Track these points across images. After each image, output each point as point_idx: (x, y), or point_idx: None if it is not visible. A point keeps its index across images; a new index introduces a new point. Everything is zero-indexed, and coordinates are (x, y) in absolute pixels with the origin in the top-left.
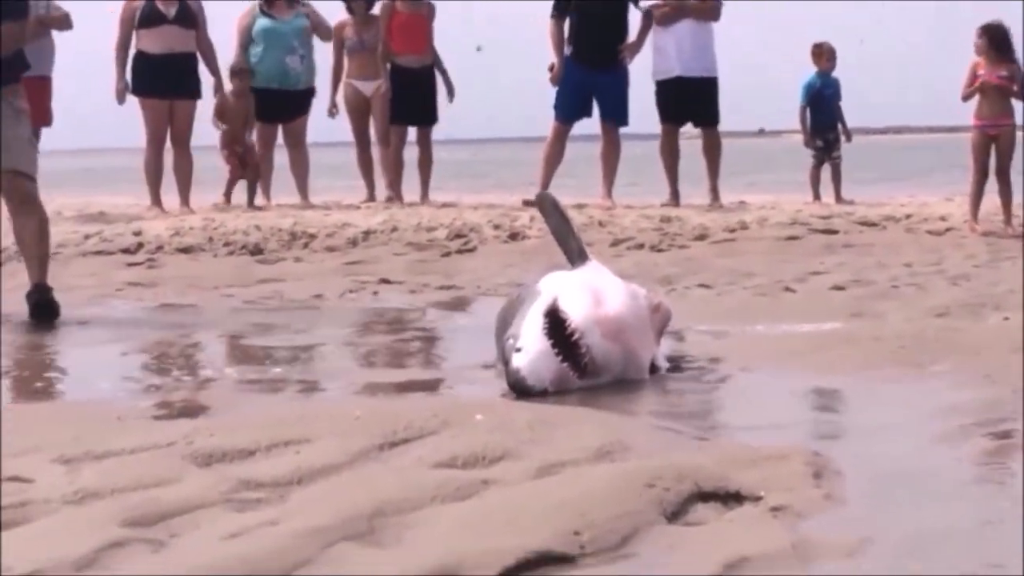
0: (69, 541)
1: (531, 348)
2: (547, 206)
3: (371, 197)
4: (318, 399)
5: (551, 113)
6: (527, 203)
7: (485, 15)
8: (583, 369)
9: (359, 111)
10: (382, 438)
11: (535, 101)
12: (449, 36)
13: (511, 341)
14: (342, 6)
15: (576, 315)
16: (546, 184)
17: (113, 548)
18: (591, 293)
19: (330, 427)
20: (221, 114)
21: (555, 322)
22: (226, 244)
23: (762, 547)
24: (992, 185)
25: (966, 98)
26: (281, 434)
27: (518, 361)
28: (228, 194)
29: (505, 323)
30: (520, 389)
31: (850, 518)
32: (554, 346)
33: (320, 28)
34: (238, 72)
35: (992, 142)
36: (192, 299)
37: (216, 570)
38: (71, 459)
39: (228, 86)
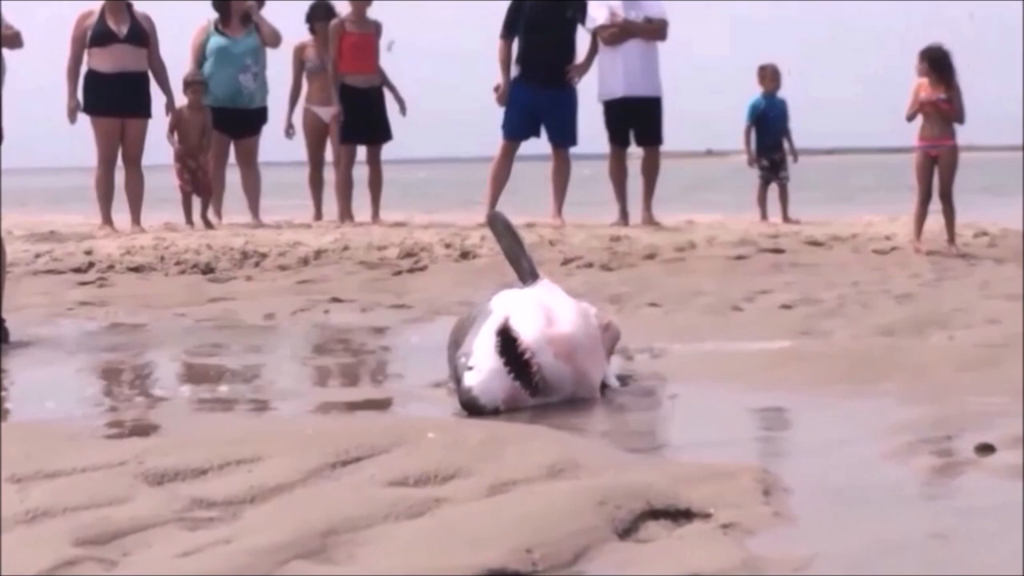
0: (21, 560)
1: (483, 366)
2: (499, 226)
3: (318, 215)
4: (270, 418)
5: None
6: (481, 225)
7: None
8: (535, 388)
9: (317, 135)
10: (335, 456)
11: (493, 121)
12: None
13: (463, 359)
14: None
15: (528, 334)
16: (493, 203)
17: (65, 567)
18: (543, 312)
19: (283, 445)
20: (175, 128)
21: (507, 340)
22: (177, 263)
23: (713, 564)
24: (936, 205)
25: (910, 118)
26: (233, 453)
27: (470, 379)
28: (188, 213)
29: (457, 341)
30: (472, 407)
31: (799, 535)
32: (506, 364)
33: (267, 34)
34: (191, 83)
35: (934, 162)
36: (143, 318)
37: None
38: (22, 478)
39: (181, 100)
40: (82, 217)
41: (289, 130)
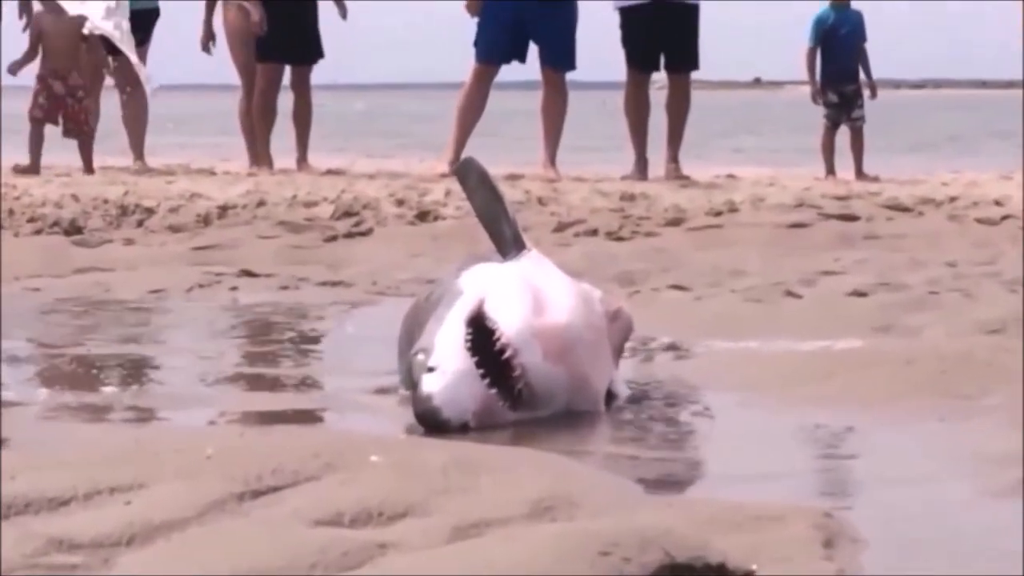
0: None
1: (449, 368)
2: (470, 177)
3: (258, 160)
4: (156, 431)
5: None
6: (444, 175)
7: None
8: (517, 398)
9: (245, 41)
10: (243, 484)
11: (462, 38)
12: None
13: (420, 357)
14: None
15: (510, 325)
16: (460, 145)
17: None
18: (530, 295)
19: (172, 468)
20: (36, 43)
21: (481, 333)
22: (31, 220)
23: None
24: None
25: None
26: (105, 477)
27: (430, 385)
28: (35, 154)
29: (412, 333)
30: (432, 422)
31: None
32: (479, 365)
33: None
34: None
35: None
36: None
37: None
38: None
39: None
40: None
41: (208, 41)
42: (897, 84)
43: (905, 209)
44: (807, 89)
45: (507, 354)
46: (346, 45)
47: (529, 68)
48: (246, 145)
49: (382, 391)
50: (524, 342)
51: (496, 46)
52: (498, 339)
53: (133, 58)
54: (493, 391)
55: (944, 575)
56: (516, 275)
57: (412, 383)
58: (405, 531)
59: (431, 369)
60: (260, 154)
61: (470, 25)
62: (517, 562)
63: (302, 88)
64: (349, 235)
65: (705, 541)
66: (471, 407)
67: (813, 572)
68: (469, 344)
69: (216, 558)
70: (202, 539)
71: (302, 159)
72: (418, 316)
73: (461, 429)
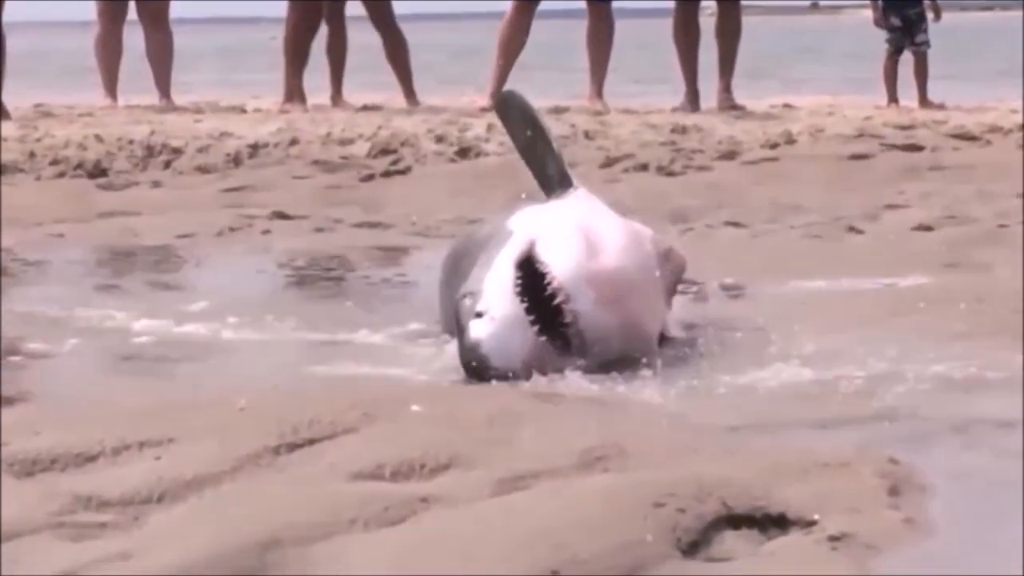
0: None
1: (498, 313)
2: (513, 111)
3: (292, 97)
4: (185, 383)
5: None
6: (485, 109)
7: None
8: (567, 345)
9: None
10: (279, 438)
11: None
12: None
13: (467, 302)
14: None
15: (561, 269)
16: (502, 78)
17: None
18: (582, 237)
19: (205, 422)
20: None
21: (531, 277)
22: (54, 162)
23: None
24: None
25: None
26: (134, 432)
27: (479, 331)
28: None
29: (455, 276)
30: (480, 371)
31: (940, 551)
32: (529, 311)
33: None
34: None
35: None
36: (6, 240)
37: None
38: None
39: None
40: None
41: None
42: (963, 6)
43: (972, 138)
44: (868, 13)
45: (558, 299)
46: None
47: None
48: (286, 77)
49: (423, 337)
50: (576, 287)
51: None
52: (549, 284)
53: None
54: (543, 338)
55: (1013, 522)
56: (566, 216)
57: (458, 328)
58: (448, 484)
59: (479, 314)
60: (293, 90)
61: None
62: (566, 515)
63: (337, 21)
64: (387, 174)
65: (765, 490)
66: (520, 355)
67: (879, 521)
68: (519, 288)
69: (250, 515)
70: (235, 495)
71: (337, 95)
72: (461, 259)
73: (506, 377)
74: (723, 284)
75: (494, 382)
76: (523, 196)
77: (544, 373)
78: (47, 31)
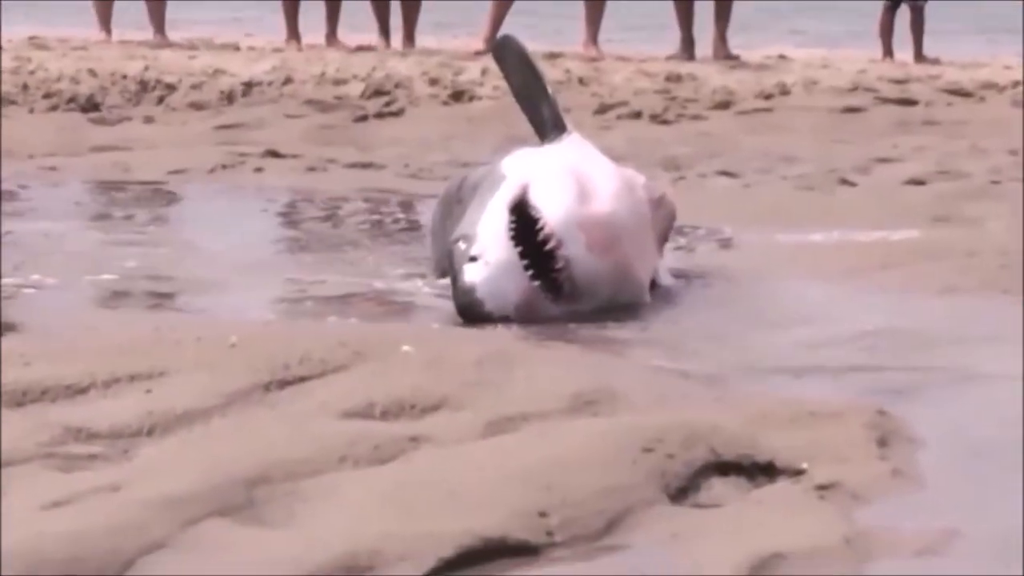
0: None
1: (492, 258)
2: (510, 55)
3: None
4: (177, 317)
5: None
6: (479, 53)
7: None
8: (560, 290)
9: None
10: (269, 374)
11: None
12: None
13: (462, 245)
14: None
15: (554, 215)
16: (497, 22)
17: None
18: (574, 183)
19: (195, 357)
20: None
21: (524, 222)
22: (47, 95)
23: (804, 539)
24: None
25: None
26: (124, 365)
27: (473, 275)
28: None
29: (447, 218)
30: (474, 314)
31: (927, 502)
32: (523, 256)
33: None
34: None
35: None
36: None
37: (32, 553)
38: None
39: None
40: None
41: None
42: None
43: (966, 94)
44: None
45: (551, 245)
46: None
47: None
48: (285, 17)
49: (413, 276)
50: (568, 233)
51: None
52: (541, 229)
53: None
54: (537, 283)
55: (1002, 475)
56: (559, 161)
57: (452, 272)
58: (438, 424)
59: (473, 259)
60: (289, 30)
61: None
62: (555, 457)
63: None
64: (380, 115)
65: (753, 438)
66: (514, 299)
67: (867, 471)
68: (513, 233)
69: (240, 450)
70: (225, 430)
71: (331, 34)
72: (453, 201)
73: (500, 321)
74: (714, 233)
75: (487, 325)
76: (516, 139)
77: (536, 317)
78: None
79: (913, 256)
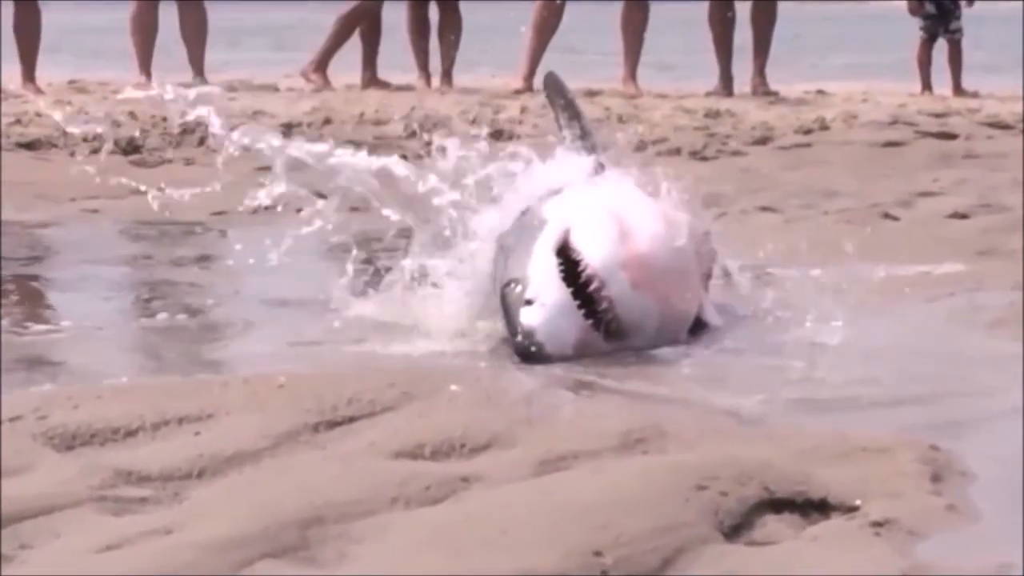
0: None
1: (547, 300)
2: (559, 91)
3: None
4: (224, 358)
5: None
6: (518, 91)
7: None
8: (606, 329)
9: None
10: (318, 415)
11: None
12: None
13: (516, 288)
14: None
15: (595, 256)
16: (536, 61)
17: None
18: (615, 223)
19: (243, 398)
20: None
21: (568, 264)
22: (88, 139)
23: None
24: None
25: None
26: (174, 407)
27: (531, 318)
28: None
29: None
30: (536, 356)
31: (982, 537)
32: (575, 296)
33: None
34: None
35: None
36: (40, 214)
37: None
38: None
39: None
40: None
41: None
42: None
43: (1006, 126)
44: (903, 1)
45: (594, 286)
46: None
47: None
48: (415, 52)
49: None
50: (610, 273)
51: None
52: (583, 270)
53: None
54: (590, 322)
55: None
56: (599, 201)
57: (507, 315)
58: (488, 463)
59: (529, 302)
60: (317, 69)
61: None
62: (608, 496)
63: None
64: (419, 156)
65: (805, 474)
66: (572, 340)
67: (921, 507)
68: (564, 276)
69: (291, 491)
70: (275, 472)
71: (370, 75)
72: (505, 245)
73: (554, 361)
74: (757, 269)
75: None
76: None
77: (591, 356)
78: (82, 7)
79: (958, 290)
